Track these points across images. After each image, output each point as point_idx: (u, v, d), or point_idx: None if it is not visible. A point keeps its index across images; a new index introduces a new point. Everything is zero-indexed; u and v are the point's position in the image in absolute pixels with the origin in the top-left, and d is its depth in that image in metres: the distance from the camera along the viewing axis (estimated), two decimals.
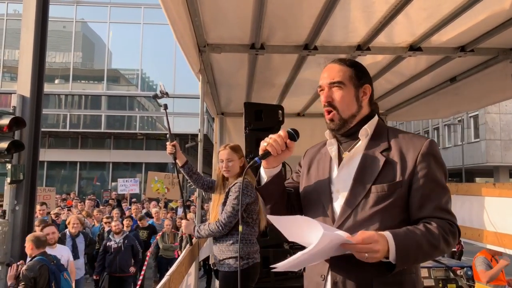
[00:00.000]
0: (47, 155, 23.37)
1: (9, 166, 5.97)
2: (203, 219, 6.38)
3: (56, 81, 25.06)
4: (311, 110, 5.79)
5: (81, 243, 6.71)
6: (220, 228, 2.97)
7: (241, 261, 2.97)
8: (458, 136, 26.19)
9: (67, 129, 24.47)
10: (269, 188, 1.58)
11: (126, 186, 14.78)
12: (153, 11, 24.10)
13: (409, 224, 1.41)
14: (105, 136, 25.57)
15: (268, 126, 4.57)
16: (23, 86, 6.24)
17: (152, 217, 9.74)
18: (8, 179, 5.99)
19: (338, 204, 1.50)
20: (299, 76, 4.22)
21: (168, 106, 3.57)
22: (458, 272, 4.69)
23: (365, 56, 3.44)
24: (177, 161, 3.29)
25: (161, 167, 23.45)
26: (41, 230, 5.68)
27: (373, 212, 1.42)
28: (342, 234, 1.31)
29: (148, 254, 7.82)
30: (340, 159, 1.57)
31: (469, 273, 4.74)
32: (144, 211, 11.56)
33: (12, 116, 5.84)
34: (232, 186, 3.04)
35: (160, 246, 8.19)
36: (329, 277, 1.46)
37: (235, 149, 3.16)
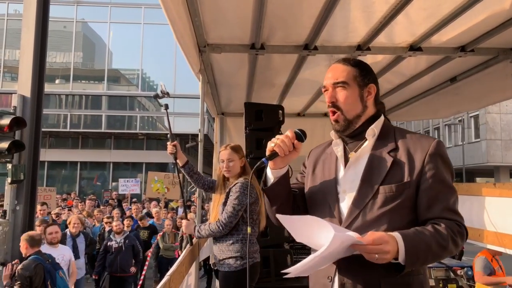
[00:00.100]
0: (47, 155, 23.41)
1: (9, 166, 5.98)
2: (203, 219, 6.38)
3: (57, 81, 25.07)
4: (311, 110, 5.79)
5: (81, 243, 6.72)
6: (221, 228, 2.97)
7: (241, 260, 2.97)
8: (459, 136, 26.18)
9: (68, 129, 24.48)
10: (275, 189, 1.56)
11: (127, 186, 14.81)
12: (153, 11, 24.10)
13: (417, 225, 1.41)
14: (106, 136, 25.58)
15: (268, 126, 4.58)
16: (24, 86, 6.24)
17: (153, 217, 9.75)
18: (9, 179, 6.00)
19: (345, 204, 1.48)
20: (299, 76, 4.22)
21: (169, 106, 3.57)
22: (458, 272, 4.69)
23: (365, 56, 3.45)
24: (177, 161, 3.29)
25: (161, 167, 23.46)
26: (45, 229, 5.70)
27: (381, 213, 1.41)
28: (353, 234, 1.29)
29: (149, 254, 7.83)
30: (346, 159, 1.55)
31: (470, 273, 4.73)
32: (144, 211, 11.57)
33: (13, 116, 5.85)
34: (233, 186, 3.04)
35: (161, 246, 8.19)
36: (336, 279, 1.44)
37: (236, 149, 3.16)
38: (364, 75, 1.57)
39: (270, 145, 1.51)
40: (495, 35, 3.13)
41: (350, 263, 1.39)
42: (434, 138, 1.52)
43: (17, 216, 6.07)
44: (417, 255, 1.32)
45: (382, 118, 1.58)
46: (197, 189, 3.66)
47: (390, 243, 1.28)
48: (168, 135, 3.43)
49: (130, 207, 12.02)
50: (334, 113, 1.55)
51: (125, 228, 7.32)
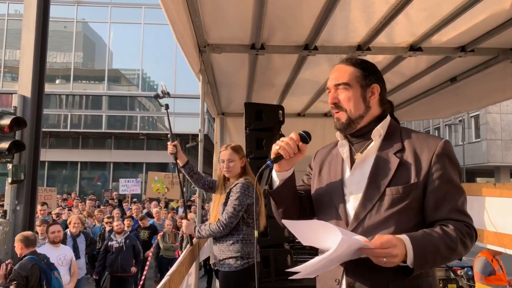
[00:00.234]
0: (48, 155, 23.43)
1: (10, 166, 5.98)
2: (203, 219, 6.39)
3: (57, 81, 25.08)
4: (311, 110, 5.79)
5: (82, 243, 6.72)
6: (221, 228, 2.97)
7: (241, 260, 2.97)
8: (459, 136, 26.15)
9: (68, 129, 24.48)
10: (281, 192, 1.54)
11: (128, 186, 14.83)
12: (153, 11, 24.11)
13: (425, 226, 1.39)
14: (106, 136, 25.58)
15: (268, 126, 4.58)
16: (24, 86, 6.25)
17: (153, 217, 9.75)
18: (9, 179, 6.00)
19: (351, 206, 1.46)
20: (299, 76, 4.22)
21: (169, 106, 3.57)
22: (458, 272, 4.70)
23: (365, 56, 3.44)
24: (178, 161, 3.29)
25: (162, 167, 23.46)
26: (47, 228, 5.70)
27: (388, 215, 1.39)
28: (360, 238, 1.27)
29: (150, 254, 7.83)
30: (352, 160, 1.54)
31: (470, 273, 4.74)
32: (144, 211, 11.58)
33: (13, 116, 5.85)
34: (233, 186, 3.04)
35: (161, 246, 8.19)
36: (343, 281, 1.42)
37: (236, 149, 3.16)
38: (367, 76, 1.54)
39: (275, 147, 1.49)
40: (495, 35, 3.13)
41: (357, 266, 1.37)
42: (441, 138, 1.49)
43: (18, 216, 6.08)
44: (426, 258, 1.29)
45: (388, 118, 1.56)
46: (198, 189, 3.66)
47: (398, 247, 1.25)
48: (169, 135, 3.43)
49: (130, 207, 12.03)
50: (336, 112, 1.55)
51: (125, 228, 7.33)
